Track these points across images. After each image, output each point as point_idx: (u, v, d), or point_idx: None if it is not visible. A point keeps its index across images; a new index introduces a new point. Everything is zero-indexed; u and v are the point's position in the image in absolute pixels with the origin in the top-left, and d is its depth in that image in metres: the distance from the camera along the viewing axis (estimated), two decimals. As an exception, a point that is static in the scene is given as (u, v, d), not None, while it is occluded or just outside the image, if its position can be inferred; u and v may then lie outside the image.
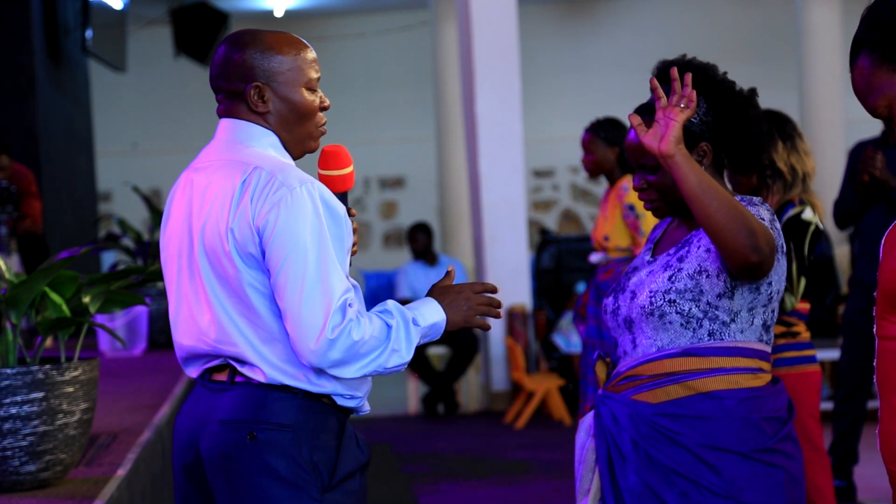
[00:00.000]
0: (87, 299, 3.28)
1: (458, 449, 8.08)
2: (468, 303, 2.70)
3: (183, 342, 2.69)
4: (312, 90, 2.70)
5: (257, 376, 2.59)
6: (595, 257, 6.19)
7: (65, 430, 3.16)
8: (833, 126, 12.66)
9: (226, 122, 2.71)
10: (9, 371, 3.10)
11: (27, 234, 7.67)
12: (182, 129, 15.79)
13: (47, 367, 3.13)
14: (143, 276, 3.55)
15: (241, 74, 2.65)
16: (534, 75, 14.75)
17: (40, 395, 3.11)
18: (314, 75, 2.70)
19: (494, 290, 2.72)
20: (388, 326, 2.57)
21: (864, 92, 2.40)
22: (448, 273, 2.75)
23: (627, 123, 6.31)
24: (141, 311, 5.89)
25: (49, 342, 4.92)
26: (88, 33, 10.13)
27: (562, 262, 10.69)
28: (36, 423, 3.11)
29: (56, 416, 3.14)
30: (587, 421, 2.90)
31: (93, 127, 12.32)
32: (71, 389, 3.16)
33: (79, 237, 10.12)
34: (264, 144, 2.67)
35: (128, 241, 6.91)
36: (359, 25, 15.58)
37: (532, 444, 8.09)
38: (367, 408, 2.73)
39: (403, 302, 2.72)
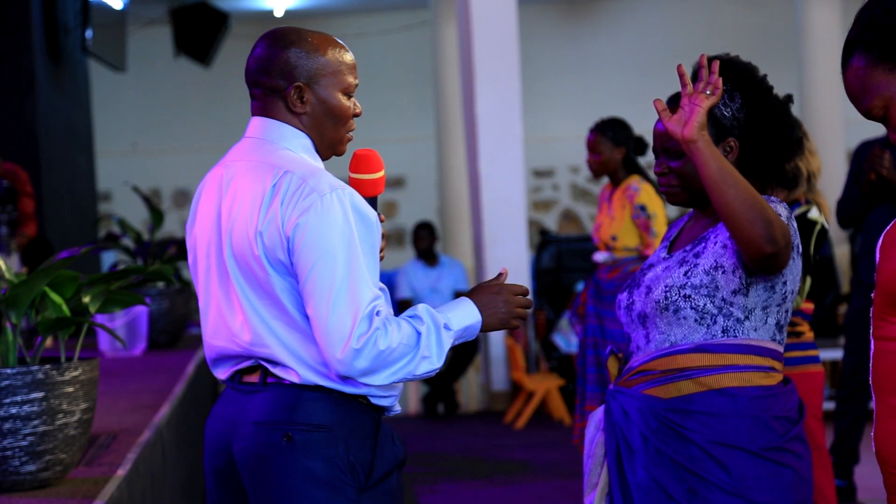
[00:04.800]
0: (87, 299, 3.28)
1: (458, 449, 8.08)
2: (507, 305, 2.66)
3: (213, 343, 2.66)
4: (349, 95, 2.68)
5: (291, 377, 2.56)
6: (600, 256, 6.19)
7: (65, 430, 3.16)
8: (833, 126, 12.66)
9: (258, 121, 2.68)
10: (9, 371, 3.09)
11: (28, 241, 7.66)
12: (182, 129, 15.78)
13: (47, 367, 3.13)
14: (143, 276, 3.55)
15: (283, 72, 2.62)
16: (534, 75, 14.75)
17: (40, 395, 3.11)
18: (353, 81, 2.67)
19: (527, 293, 2.70)
20: (418, 333, 2.53)
21: (858, 93, 2.39)
22: (501, 274, 2.71)
23: (631, 123, 6.34)
24: (141, 311, 5.89)
25: (49, 342, 4.91)
26: (88, 33, 10.13)
27: (562, 262, 10.69)
28: (36, 423, 3.11)
29: (56, 416, 3.13)
30: (597, 415, 2.91)
31: (93, 127, 12.31)
32: (71, 389, 3.16)
33: (79, 237, 10.11)
34: (296, 146, 2.64)
35: (128, 241, 6.89)
36: (359, 25, 15.57)
37: (532, 444, 8.09)
38: (398, 408, 2.71)
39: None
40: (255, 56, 2.66)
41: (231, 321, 2.61)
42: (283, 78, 2.63)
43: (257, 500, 2.59)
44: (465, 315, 2.61)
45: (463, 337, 2.61)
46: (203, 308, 2.69)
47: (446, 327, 2.56)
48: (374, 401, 2.62)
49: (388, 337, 2.49)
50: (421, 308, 2.57)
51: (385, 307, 2.57)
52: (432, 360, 2.53)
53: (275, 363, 2.58)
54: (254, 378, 2.62)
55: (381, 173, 2.75)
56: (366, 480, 2.59)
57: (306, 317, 2.55)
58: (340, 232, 2.50)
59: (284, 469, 2.55)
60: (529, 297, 2.71)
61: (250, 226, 2.55)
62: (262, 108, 2.67)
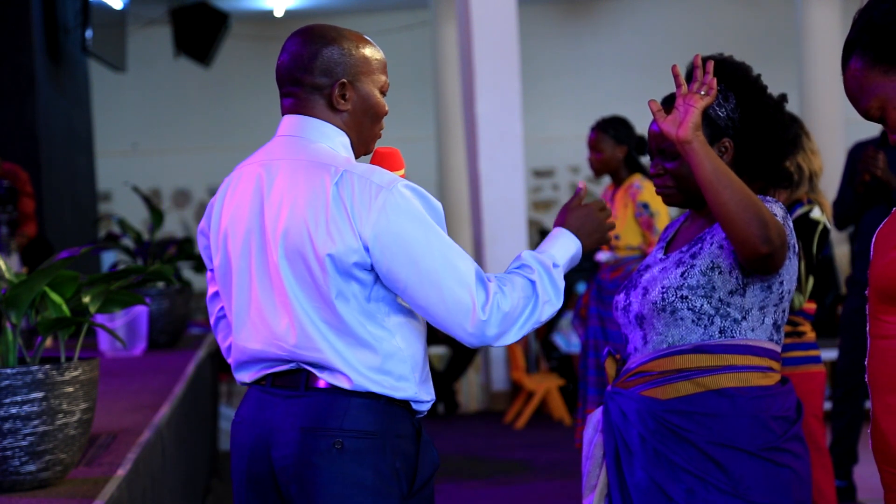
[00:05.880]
0: (87, 299, 3.28)
1: (458, 449, 8.08)
2: (599, 224, 2.72)
3: (247, 345, 2.61)
4: (384, 93, 2.67)
5: (341, 382, 2.53)
6: (603, 256, 6.19)
7: (65, 430, 3.16)
8: (833, 126, 12.66)
9: (294, 119, 2.63)
10: (9, 371, 3.09)
11: (28, 241, 7.67)
12: (182, 129, 15.79)
13: (47, 367, 3.13)
14: (143, 276, 3.54)
15: (326, 69, 2.59)
16: (534, 75, 14.76)
17: (40, 395, 3.10)
18: (386, 79, 2.68)
19: (606, 206, 2.77)
20: (532, 282, 2.56)
21: (857, 94, 2.40)
22: (580, 189, 2.76)
23: (632, 122, 6.35)
24: (141, 311, 5.88)
25: (49, 342, 4.91)
26: (88, 33, 10.13)
27: (562, 262, 10.68)
28: (36, 423, 3.11)
29: (56, 416, 3.13)
30: (595, 417, 2.91)
31: (93, 127, 12.32)
32: (71, 389, 3.16)
33: (79, 237, 10.12)
34: (337, 144, 2.61)
35: (128, 241, 6.89)
36: (359, 25, 15.54)
37: (532, 444, 8.09)
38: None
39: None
40: (292, 54, 2.62)
41: (274, 323, 2.56)
42: (325, 75, 2.60)
43: None
44: (567, 246, 2.67)
45: (569, 266, 2.66)
46: (237, 310, 2.63)
47: (555, 265, 2.61)
48: (414, 406, 2.60)
49: (507, 297, 2.52)
50: (525, 255, 2.61)
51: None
52: (552, 301, 2.58)
53: (321, 367, 2.53)
54: (289, 382, 2.57)
55: (403, 171, 2.76)
56: (409, 488, 2.57)
57: (358, 322, 2.52)
58: (419, 220, 2.51)
59: (333, 476, 2.51)
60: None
61: (313, 226, 2.50)
62: (298, 105, 2.63)
